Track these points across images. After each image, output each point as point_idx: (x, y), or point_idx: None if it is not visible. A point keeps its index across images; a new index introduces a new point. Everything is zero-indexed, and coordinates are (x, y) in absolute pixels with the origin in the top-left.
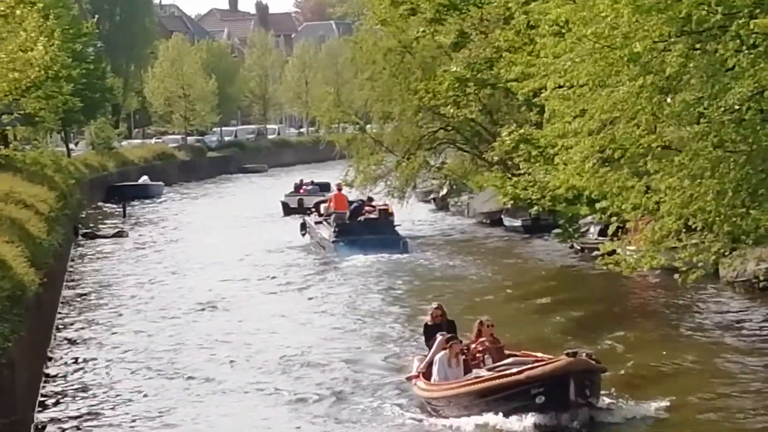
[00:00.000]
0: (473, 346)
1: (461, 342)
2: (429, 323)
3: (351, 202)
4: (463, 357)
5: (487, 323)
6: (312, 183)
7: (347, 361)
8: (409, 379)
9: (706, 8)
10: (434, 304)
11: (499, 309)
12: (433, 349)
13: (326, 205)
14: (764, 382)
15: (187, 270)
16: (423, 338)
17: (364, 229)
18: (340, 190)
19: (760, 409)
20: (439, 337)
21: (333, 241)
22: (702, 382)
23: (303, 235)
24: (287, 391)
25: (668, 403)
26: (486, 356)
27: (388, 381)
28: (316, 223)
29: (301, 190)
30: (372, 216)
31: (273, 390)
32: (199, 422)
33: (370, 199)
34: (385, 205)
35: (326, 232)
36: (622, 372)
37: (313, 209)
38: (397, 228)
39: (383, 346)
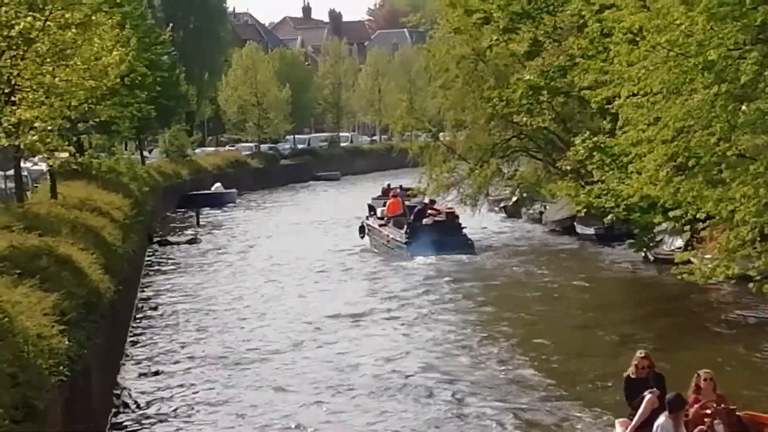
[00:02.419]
0: (694, 408)
1: (687, 403)
2: (632, 376)
3: (409, 207)
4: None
5: (705, 376)
6: (400, 187)
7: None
8: None
9: None
10: (640, 353)
11: (572, 319)
12: (640, 412)
13: (382, 209)
14: None
15: (262, 276)
16: (624, 395)
17: (434, 231)
18: (395, 196)
19: None
20: (648, 396)
21: (405, 242)
22: None
23: (362, 237)
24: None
25: None
26: (716, 422)
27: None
28: (380, 225)
29: (390, 194)
30: (439, 218)
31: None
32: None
33: (433, 202)
34: (450, 208)
35: (395, 233)
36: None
37: (371, 213)
38: (464, 230)
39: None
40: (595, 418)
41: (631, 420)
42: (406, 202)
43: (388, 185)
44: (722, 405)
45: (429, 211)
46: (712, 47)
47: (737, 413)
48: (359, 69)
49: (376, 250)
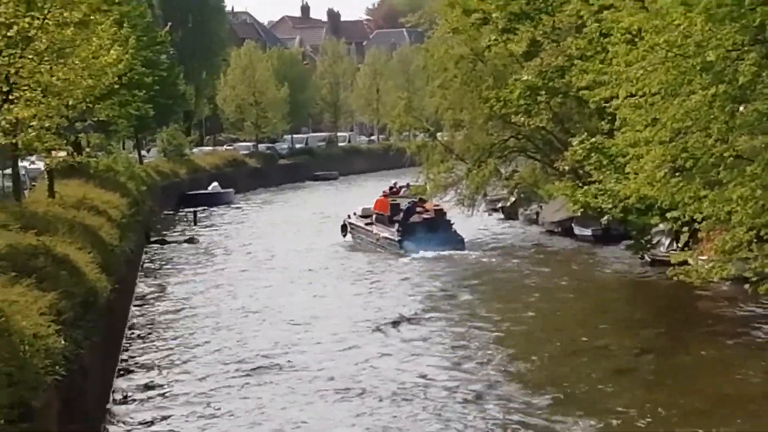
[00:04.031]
0: None
1: None
2: None
3: (395, 205)
4: None
5: None
6: (408, 185)
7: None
8: None
9: None
10: None
11: (569, 318)
12: None
13: (364, 207)
14: None
15: (259, 275)
16: None
17: (425, 228)
18: (385, 195)
19: None
20: None
21: (398, 240)
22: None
23: (344, 236)
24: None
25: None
26: None
27: None
28: (367, 224)
29: (396, 193)
30: (428, 216)
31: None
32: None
33: (422, 201)
34: (438, 205)
35: (385, 231)
36: (693, 390)
37: (354, 212)
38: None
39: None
40: (591, 419)
41: None
42: (391, 201)
43: (395, 183)
44: None
45: (417, 209)
46: (710, 48)
47: None
48: (357, 68)
49: (360, 248)
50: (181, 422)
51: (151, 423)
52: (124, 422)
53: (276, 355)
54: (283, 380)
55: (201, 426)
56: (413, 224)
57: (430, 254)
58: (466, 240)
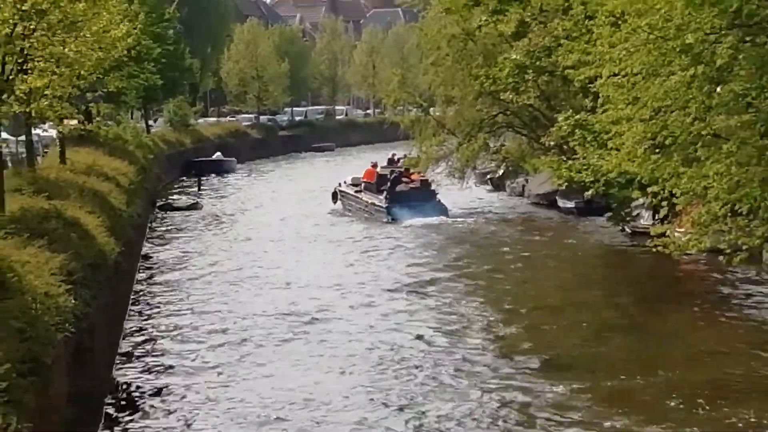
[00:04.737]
0: None
1: None
2: None
3: (384, 175)
4: None
5: None
6: (405, 156)
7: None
8: None
9: (756, 2)
10: None
11: (548, 284)
12: None
13: (353, 176)
14: None
15: (257, 239)
16: None
17: (411, 196)
18: (374, 166)
19: None
20: None
21: (386, 207)
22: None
23: (334, 202)
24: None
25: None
26: None
27: None
28: (357, 191)
29: (396, 164)
30: (414, 185)
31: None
32: (267, 387)
33: (407, 170)
34: (422, 174)
35: (374, 198)
36: (666, 351)
37: (344, 180)
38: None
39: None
40: (572, 377)
41: None
42: (378, 170)
43: (393, 155)
44: None
45: (404, 179)
46: (689, 31)
47: None
48: (354, 46)
49: (349, 214)
50: (184, 380)
51: (155, 379)
52: (129, 379)
53: (273, 316)
54: (283, 341)
55: (204, 380)
56: (400, 192)
57: (415, 221)
58: (456, 210)
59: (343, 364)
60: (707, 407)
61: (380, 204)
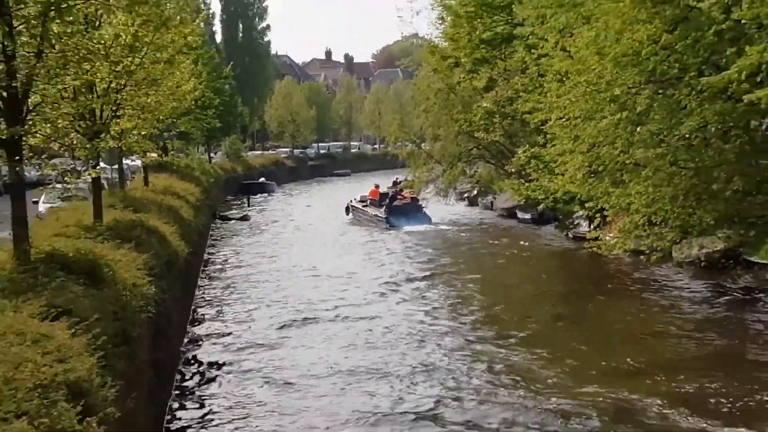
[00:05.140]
0: None
1: None
2: None
3: (384, 194)
4: None
5: None
6: (406, 179)
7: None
8: None
9: (666, 64)
10: None
11: (513, 276)
12: None
13: (363, 195)
14: (699, 332)
15: (293, 242)
16: None
17: (404, 210)
18: (377, 187)
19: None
20: None
21: (386, 217)
22: (657, 340)
23: (347, 215)
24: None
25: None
26: None
27: None
28: (364, 206)
29: (398, 185)
30: (406, 202)
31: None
32: (307, 359)
33: (401, 191)
34: (413, 194)
35: (377, 211)
36: (590, 331)
37: (355, 198)
38: (425, 210)
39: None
40: (533, 351)
41: None
42: (380, 191)
43: (396, 178)
44: None
45: (399, 197)
46: (617, 85)
47: None
48: (365, 97)
49: (358, 224)
50: (238, 354)
51: (216, 355)
52: (195, 353)
53: (315, 303)
54: (317, 324)
55: (255, 355)
56: (396, 207)
57: (407, 228)
58: (439, 219)
59: (367, 338)
60: (642, 377)
61: (381, 215)
